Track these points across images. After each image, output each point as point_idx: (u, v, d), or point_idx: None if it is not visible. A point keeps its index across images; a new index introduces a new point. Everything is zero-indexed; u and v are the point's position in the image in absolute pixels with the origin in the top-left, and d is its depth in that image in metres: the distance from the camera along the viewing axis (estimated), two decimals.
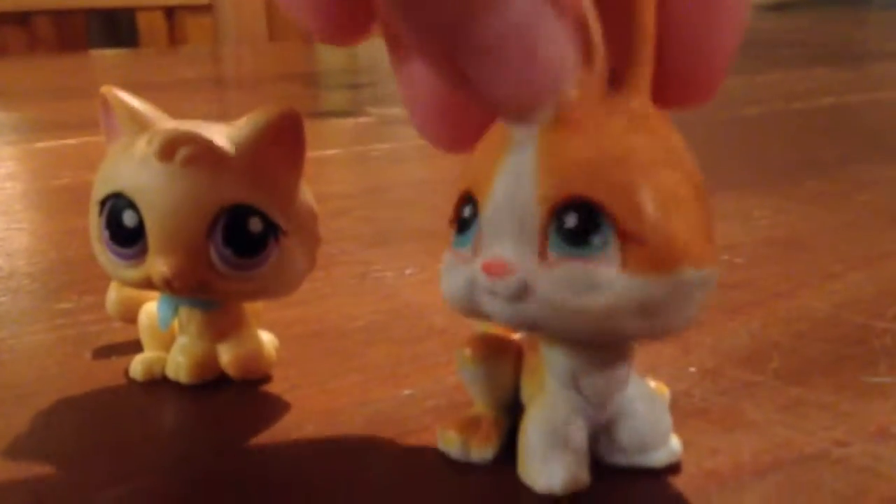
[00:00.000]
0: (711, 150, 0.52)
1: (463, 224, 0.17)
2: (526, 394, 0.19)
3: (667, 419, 0.18)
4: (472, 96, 0.15)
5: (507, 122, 0.16)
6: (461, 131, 0.18)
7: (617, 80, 0.16)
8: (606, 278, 0.15)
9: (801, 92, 0.75)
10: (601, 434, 0.18)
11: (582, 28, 0.15)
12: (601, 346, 0.17)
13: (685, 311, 0.16)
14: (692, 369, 0.23)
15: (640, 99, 0.16)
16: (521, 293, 0.15)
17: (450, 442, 0.19)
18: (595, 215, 0.15)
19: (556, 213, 0.15)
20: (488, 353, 0.19)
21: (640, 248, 0.15)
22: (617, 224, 0.15)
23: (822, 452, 0.19)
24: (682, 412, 0.21)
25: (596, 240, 0.15)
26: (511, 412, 0.19)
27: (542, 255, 0.15)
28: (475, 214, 0.16)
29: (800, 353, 0.24)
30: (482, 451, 0.19)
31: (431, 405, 0.22)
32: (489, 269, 0.16)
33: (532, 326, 0.16)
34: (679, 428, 0.20)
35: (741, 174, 0.46)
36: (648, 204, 0.15)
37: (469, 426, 0.19)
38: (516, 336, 0.20)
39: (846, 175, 0.46)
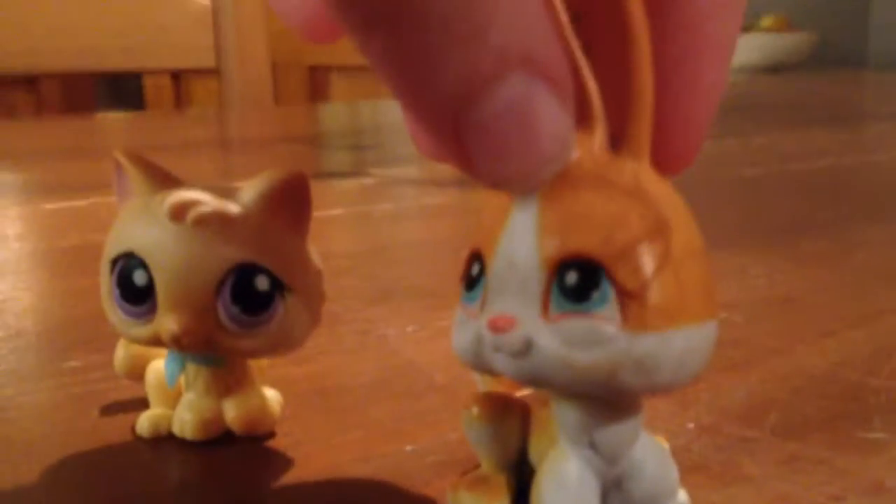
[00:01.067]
0: (709, 209, 0.52)
1: (471, 281, 0.17)
2: (535, 451, 0.19)
3: (675, 472, 0.19)
4: (472, 174, 0.15)
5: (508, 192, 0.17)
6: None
7: (617, 142, 0.16)
8: (607, 334, 0.15)
9: (797, 153, 0.76)
10: (612, 490, 0.18)
11: (579, 94, 0.16)
12: (613, 400, 0.18)
13: (686, 366, 0.16)
14: (690, 425, 0.24)
15: (639, 160, 0.17)
16: (525, 349, 0.16)
17: (460, 502, 0.19)
18: (595, 273, 0.16)
19: (557, 270, 0.16)
20: (496, 412, 0.19)
21: (638, 305, 0.15)
22: (616, 282, 0.15)
23: None
24: (681, 467, 0.21)
25: (595, 296, 0.16)
26: (516, 471, 0.19)
27: (545, 311, 0.16)
28: (482, 272, 0.17)
29: (797, 410, 0.25)
30: None
31: (433, 461, 0.22)
32: (494, 325, 0.16)
33: (537, 382, 0.16)
34: None
35: (739, 233, 0.47)
36: (647, 263, 0.15)
37: (480, 487, 0.19)
38: (521, 393, 0.20)
39: (842, 235, 0.46)
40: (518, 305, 0.16)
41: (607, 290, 0.15)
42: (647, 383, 0.16)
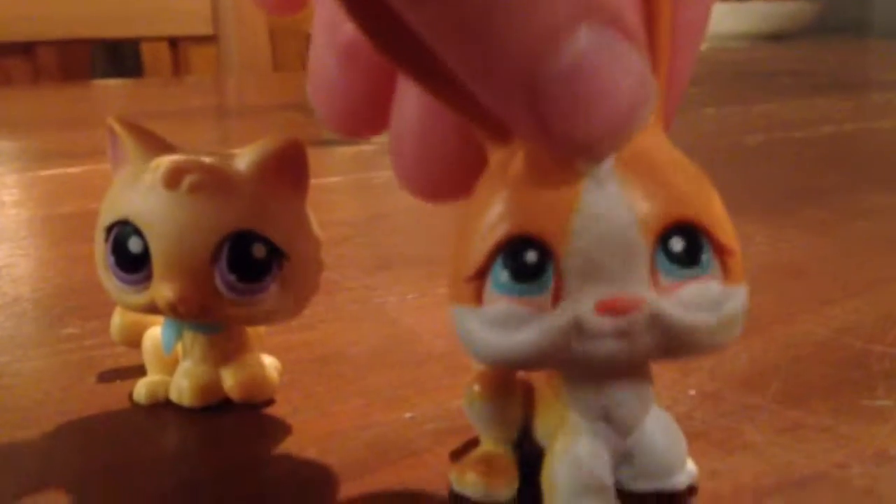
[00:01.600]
0: (711, 177, 0.52)
1: (529, 270, 0.16)
2: (542, 428, 0.19)
3: (683, 444, 0.19)
4: (552, 141, 0.14)
5: (576, 161, 0.15)
6: (445, 181, 0.18)
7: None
8: (721, 292, 0.16)
9: (800, 121, 0.76)
10: (622, 463, 0.18)
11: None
12: (630, 373, 0.17)
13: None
14: (692, 392, 0.23)
15: (658, 124, 0.17)
16: (652, 324, 0.16)
17: (470, 484, 0.19)
18: (697, 235, 0.16)
19: (661, 239, 0.16)
20: (497, 389, 0.19)
21: (732, 259, 0.16)
22: (713, 240, 0.16)
23: (821, 475, 0.19)
24: (683, 434, 0.21)
25: (703, 258, 0.16)
26: (517, 449, 0.19)
27: (656, 283, 0.16)
28: (545, 258, 0.16)
29: (799, 377, 0.24)
30: (506, 490, 0.19)
31: (432, 428, 0.22)
32: (614, 308, 0.15)
33: (664, 354, 0.16)
34: None
35: (741, 201, 0.47)
36: (725, 220, 0.16)
37: (487, 467, 0.19)
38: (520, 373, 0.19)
39: (845, 202, 0.46)
40: (624, 283, 0.15)
41: (708, 249, 0.16)
42: (732, 337, 0.16)
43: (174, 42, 1.33)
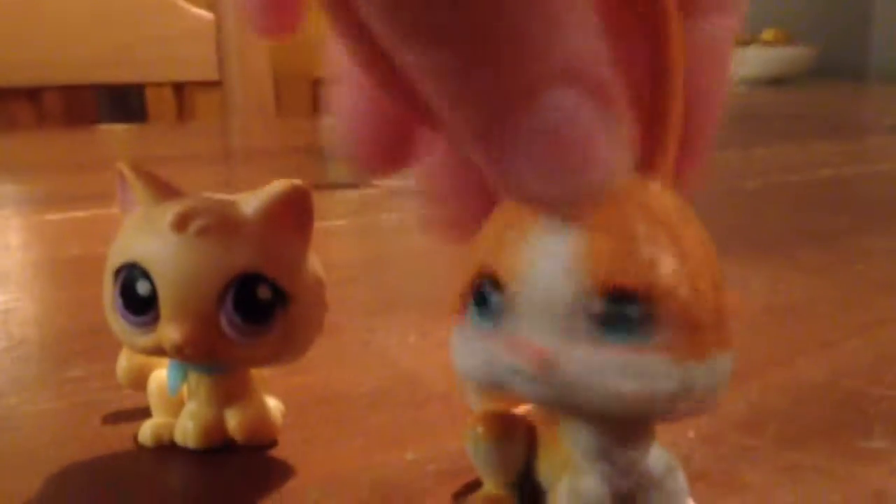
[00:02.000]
0: (710, 220, 0.52)
1: (483, 301, 0.17)
2: (545, 470, 0.19)
3: (684, 482, 0.19)
4: (513, 189, 0.14)
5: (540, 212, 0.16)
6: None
7: (644, 165, 0.16)
8: (648, 366, 0.15)
9: (798, 164, 0.76)
10: (625, 501, 0.18)
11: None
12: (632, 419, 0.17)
13: (716, 393, 0.16)
14: (691, 434, 0.24)
15: (666, 186, 0.16)
16: (553, 374, 0.16)
17: None
18: (640, 304, 0.15)
19: (600, 300, 0.15)
20: (500, 431, 0.19)
21: (681, 335, 0.15)
22: (660, 312, 0.15)
23: None
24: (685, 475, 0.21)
25: (639, 328, 0.15)
26: (519, 490, 0.19)
27: (587, 341, 0.15)
28: (498, 292, 0.16)
29: (797, 419, 0.25)
30: None
31: (434, 469, 0.22)
32: (520, 350, 0.16)
33: (558, 405, 0.16)
34: None
35: (739, 244, 0.47)
36: (688, 292, 0.15)
37: None
38: (523, 410, 0.20)
39: (843, 245, 0.46)
40: (551, 333, 0.16)
41: (650, 320, 0.15)
42: (681, 410, 0.16)
43: (179, 87, 1.34)
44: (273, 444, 0.24)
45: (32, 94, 1.28)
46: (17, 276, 0.43)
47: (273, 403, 0.24)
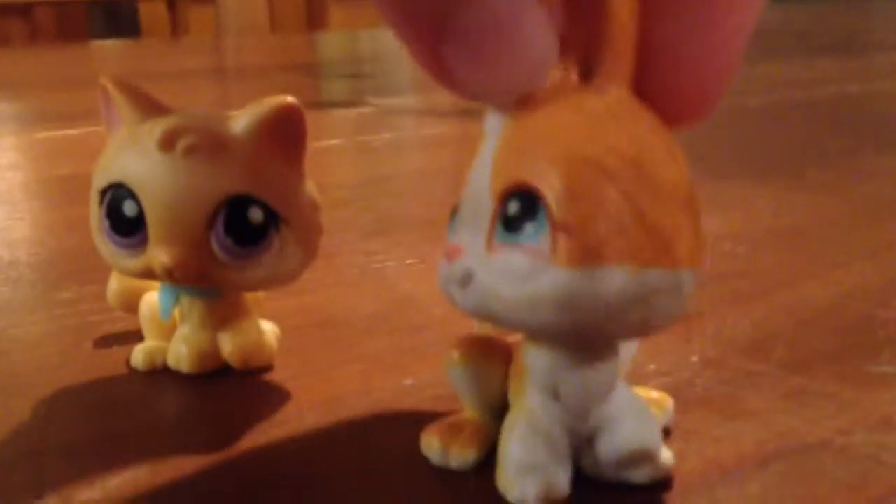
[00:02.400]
0: (714, 140, 0.52)
1: (452, 214, 0.17)
2: (511, 397, 0.18)
3: (655, 433, 0.17)
4: (446, 82, 0.15)
5: (481, 103, 0.16)
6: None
7: (590, 71, 0.15)
8: (534, 268, 0.15)
9: (803, 82, 0.75)
10: (584, 447, 0.17)
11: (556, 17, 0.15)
12: (581, 348, 0.17)
13: (629, 313, 0.15)
14: (694, 358, 0.23)
15: (613, 91, 0.15)
16: (466, 280, 0.16)
17: (430, 448, 0.19)
18: (533, 203, 0.15)
19: (503, 200, 0.15)
20: (477, 355, 0.19)
21: (569, 240, 0.14)
22: (551, 213, 0.14)
23: (824, 441, 0.19)
24: (685, 401, 0.21)
25: (529, 228, 0.15)
26: (500, 416, 0.19)
27: (489, 242, 0.15)
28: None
29: (803, 343, 0.24)
30: (462, 457, 0.18)
31: (432, 394, 0.22)
32: (447, 254, 0.16)
33: (479, 315, 0.16)
34: (682, 417, 0.20)
35: (744, 164, 0.46)
36: (591, 196, 0.14)
37: (451, 431, 0.19)
38: (509, 338, 0.19)
39: (849, 165, 0.46)
40: (470, 235, 0.16)
41: (542, 221, 0.15)
42: (566, 323, 0.15)
43: (172, 2, 1.31)
44: (268, 368, 0.23)
45: (24, 10, 1.26)
46: (7, 195, 0.42)
47: (268, 327, 0.24)
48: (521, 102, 0.15)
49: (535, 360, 0.17)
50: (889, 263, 0.30)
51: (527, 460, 0.17)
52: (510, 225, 0.15)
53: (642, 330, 0.15)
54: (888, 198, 0.39)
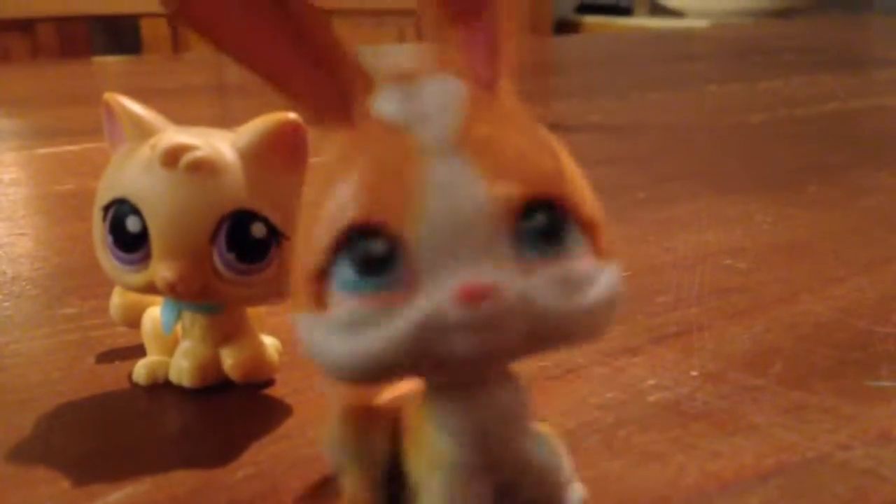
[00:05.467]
0: (715, 155, 0.52)
1: (372, 262, 0.14)
2: (413, 463, 0.16)
3: (567, 462, 0.17)
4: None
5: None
6: None
7: (491, 83, 0.15)
8: (590, 271, 0.14)
9: (804, 98, 0.75)
10: (504, 493, 0.16)
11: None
12: (500, 382, 0.16)
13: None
14: (694, 373, 0.23)
15: (512, 94, 0.15)
16: (518, 311, 0.13)
17: None
18: (558, 211, 0.14)
19: (520, 217, 0.14)
20: (362, 424, 0.17)
21: (600, 235, 0.14)
22: (578, 215, 0.14)
23: (824, 456, 0.19)
24: (685, 416, 0.21)
25: (566, 236, 0.14)
26: (383, 488, 0.17)
27: (520, 264, 0.14)
28: (395, 247, 0.14)
29: (802, 358, 0.24)
30: None
31: None
32: (471, 295, 0.13)
33: (510, 350, 0.14)
34: (681, 431, 0.20)
35: (744, 179, 0.46)
36: (589, 190, 0.15)
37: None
38: (388, 400, 0.17)
39: (849, 181, 0.46)
40: (484, 267, 0.13)
41: (573, 226, 0.14)
42: (613, 319, 0.15)
43: None
44: (269, 383, 0.23)
45: (26, 26, 1.26)
46: (10, 211, 0.43)
47: (269, 341, 0.24)
48: (460, 119, 0.14)
49: (450, 407, 0.15)
50: (887, 278, 0.31)
51: None
52: (544, 238, 0.14)
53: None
54: (886, 213, 0.39)
